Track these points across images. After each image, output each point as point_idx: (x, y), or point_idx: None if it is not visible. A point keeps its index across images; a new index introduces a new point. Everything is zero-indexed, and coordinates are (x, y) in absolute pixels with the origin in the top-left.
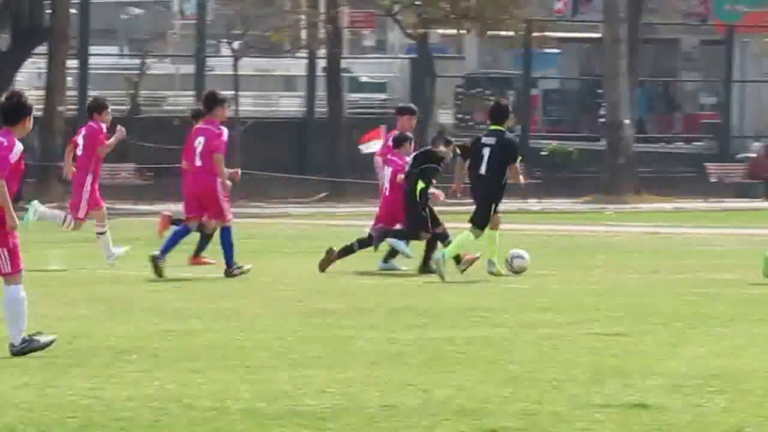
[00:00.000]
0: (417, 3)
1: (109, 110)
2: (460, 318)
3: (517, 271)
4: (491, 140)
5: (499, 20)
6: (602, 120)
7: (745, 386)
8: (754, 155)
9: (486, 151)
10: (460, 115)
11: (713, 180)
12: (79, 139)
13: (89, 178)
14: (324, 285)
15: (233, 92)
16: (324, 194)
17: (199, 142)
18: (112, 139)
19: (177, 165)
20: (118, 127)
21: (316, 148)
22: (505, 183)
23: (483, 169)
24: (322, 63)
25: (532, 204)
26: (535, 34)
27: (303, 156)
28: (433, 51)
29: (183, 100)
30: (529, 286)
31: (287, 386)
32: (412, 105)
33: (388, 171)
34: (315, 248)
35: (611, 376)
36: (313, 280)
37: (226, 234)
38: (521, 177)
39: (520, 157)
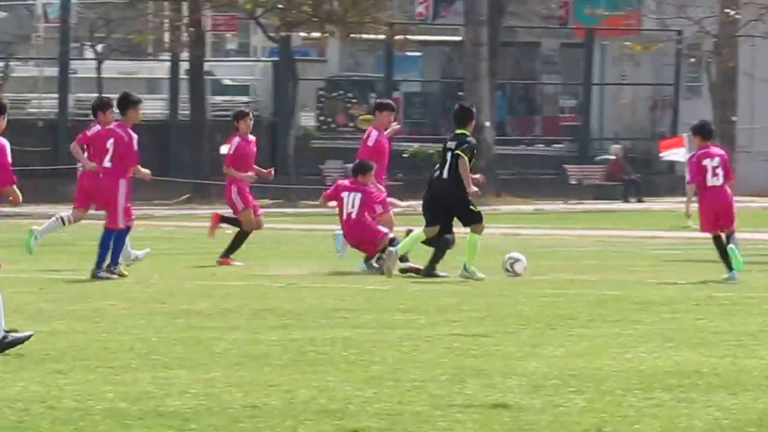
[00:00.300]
0: (279, 6)
1: (113, 109)
2: (322, 319)
3: (519, 274)
4: (453, 144)
5: (362, 23)
6: None
7: (604, 386)
8: (613, 157)
9: (448, 155)
10: (322, 118)
11: (573, 182)
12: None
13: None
14: (188, 286)
15: (97, 95)
16: (186, 196)
17: (111, 144)
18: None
19: (42, 167)
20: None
21: (179, 150)
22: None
23: (445, 173)
24: (185, 66)
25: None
26: (396, 37)
27: (165, 158)
28: (295, 54)
29: (46, 103)
30: (391, 287)
31: (150, 387)
32: (391, 101)
33: (355, 197)
34: (178, 250)
35: (472, 376)
36: (176, 281)
37: (108, 236)
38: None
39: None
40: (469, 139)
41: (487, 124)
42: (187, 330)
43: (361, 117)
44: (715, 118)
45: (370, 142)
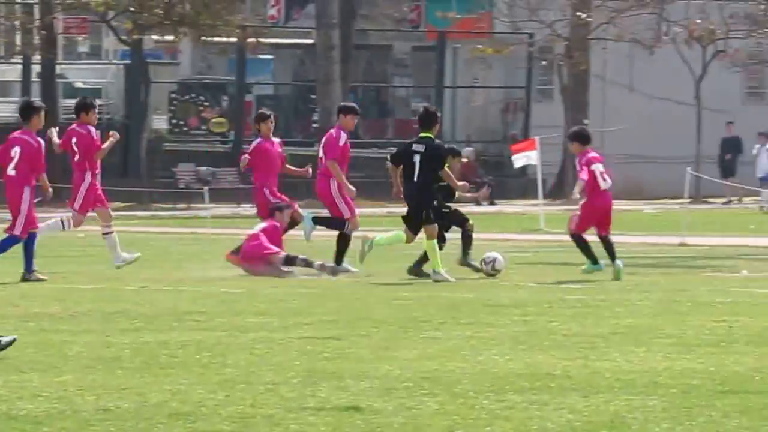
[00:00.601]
0: (131, 9)
1: (96, 110)
2: (174, 322)
3: (498, 272)
4: (420, 147)
5: (214, 26)
6: (316, 125)
7: (457, 388)
8: (465, 160)
9: (416, 158)
10: (174, 121)
11: None
12: (73, 145)
13: (88, 175)
14: (39, 289)
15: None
16: (38, 199)
17: (16, 152)
18: (106, 144)
19: None
20: (112, 132)
21: None
22: (435, 189)
23: (415, 176)
24: (37, 69)
25: (246, 208)
26: (248, 40)
27: None
28: (147, 57)
29: None
30: (244, 290)
31: (2, 390)
32: (355, 105)
33: None
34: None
35: (325, 379)
36: (29, 284)
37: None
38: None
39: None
40: (438, 143)
41: None
42: (39, 333)
43: (214, 120)
44: (567, 121)
45: (341, 142)
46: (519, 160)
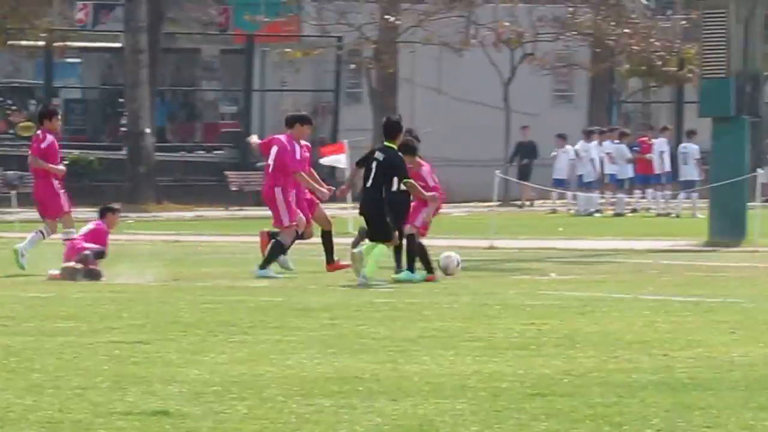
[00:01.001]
0: None
1: (59, 117)
2: None
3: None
4: (380, 155)
5: (21, 30)
6: (124, 129)
7: (266, 393)
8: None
9: (374, 165)
10: None
11: (234, 188)
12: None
13: (55, 182)
14: None
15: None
16: None
17: None
18: (53, 167)
19: None
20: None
21: None
22: (387, 197)
23: (369, 183)
24: None
25: None
26: (56, 44)
27: None
28: None
29: None
30: (53, 294)
31: None
32: (307, 114)
33: None
34: None
35: (133, 383)
36: None
37: None
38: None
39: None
40: (396, 154)
41: (147, 130)
42: None
43: (22, 124)
44: (376, 125)
45: (298, 155)
46: (329, 163)
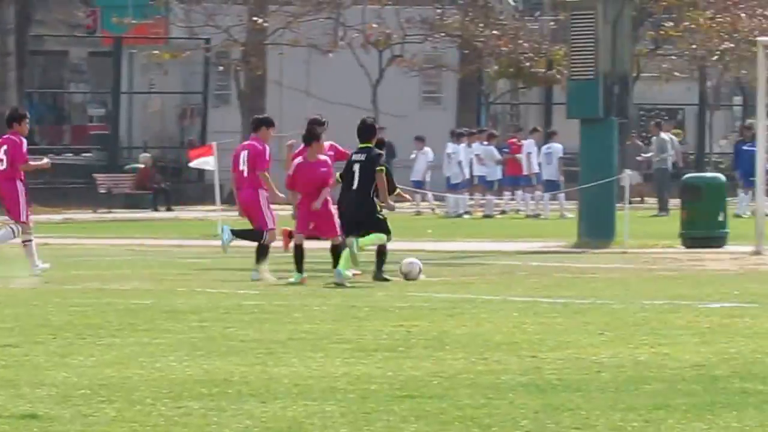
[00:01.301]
0: None
1: (27, 120)
2: None
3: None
4: (361, 156)
5: None
6: None
7: (135, 395)
8: (142, 166)
9: (356, 167)
10: None
11: (102, 191)
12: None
13: (20, 185)
14: None
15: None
16: None
17: None
18: (34, 164)
19: None
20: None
21: None
22: (374, 194)
23: (355, 185)
24: None
25: None
26: None
27: None
28: None
29: None
30: None
31: None
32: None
33: None
34: None
35: (1, 386)
36: None
37: None
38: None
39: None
40: (377, 152)
41: None
42: None
43: None
44: (244, 126)
45: (267, 155)
46: (198, 165)
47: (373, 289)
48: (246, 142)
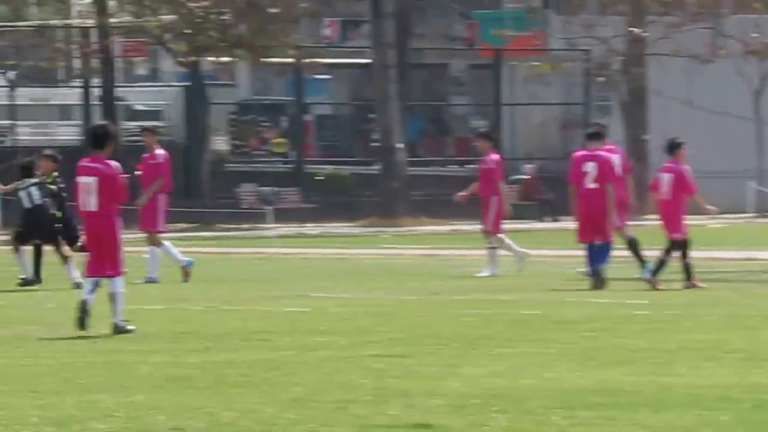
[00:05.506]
0: (187, 32)
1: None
2: (242, 341)
3: None
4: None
5: (270, 47)
6: (375, 144)
7: (526, 405)
8: (527, 177)
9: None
10: (235, 142)
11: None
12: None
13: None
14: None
15: (10, 122)
16: None
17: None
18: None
19: None
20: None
21: None
22: None
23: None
24: (96, 91)
25: (310, 228)
26: (306, 60)
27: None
28: (206, 78)
29: None
30: (310, 309)
31: (75, 410)
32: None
33: None
34: None
35: (394, 396)
36: (97, 304)
37: None
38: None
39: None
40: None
41: (399, 145)
42: (109, 354)
43: (274, 140)
44: (628, 137)
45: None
46: None
47: (764, 299)
48: (665, 165)
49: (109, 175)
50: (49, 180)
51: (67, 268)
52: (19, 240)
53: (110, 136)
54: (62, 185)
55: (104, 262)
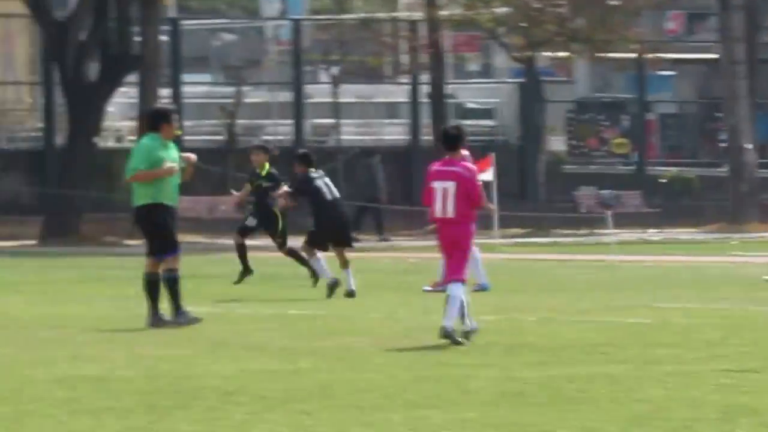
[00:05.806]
0: (522, 25)
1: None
2: (580, 354)
3: None
4: None
5: (609, 42)
6: (723, 145)
7: None
8: None
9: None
10: (573, 142)
11: None
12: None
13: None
14: (436, 321)
15: (334, 120)
16: (432, 226)
17: None
18: None
19: None
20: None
21: (422, 177)
22: None
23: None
24: (424, 89)
25: (652, 234)
26: (649, 55)
27: (409, 185)
28: (541, 74)
29: (282, 129)
30: (652, 320)
31: (402, 428)
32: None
33: None
34: (422, 282)
35: (743, 414)
36: (424, 315)
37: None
38: None
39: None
40: None
41: (749, 146)
42: (437, 367)
43: (615, 141)
44: None
45: None
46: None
47: None
48: None
49: (468, 178)
50: (263, 174)
51: (345, 273)
52: (312, 243)
53: (464, 137)
54: (283, 180)
55: (452, 267)
